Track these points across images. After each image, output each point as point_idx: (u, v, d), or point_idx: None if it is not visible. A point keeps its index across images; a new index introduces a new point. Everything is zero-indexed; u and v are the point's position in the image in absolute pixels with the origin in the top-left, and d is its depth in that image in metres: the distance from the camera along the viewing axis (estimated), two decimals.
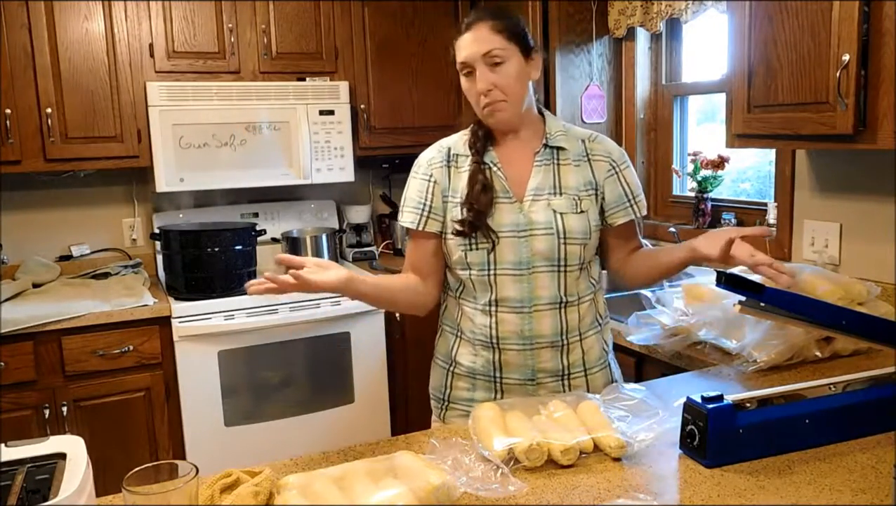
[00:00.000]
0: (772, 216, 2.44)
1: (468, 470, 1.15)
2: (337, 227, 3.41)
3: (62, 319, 2.51)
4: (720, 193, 2.79)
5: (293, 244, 3.12)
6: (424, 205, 1.58)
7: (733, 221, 2.64)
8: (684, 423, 1.26)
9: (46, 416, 2.53)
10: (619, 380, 1.67)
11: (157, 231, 2.88)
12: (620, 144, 3.10)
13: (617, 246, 1.66)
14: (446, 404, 1.65)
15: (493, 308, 1.56)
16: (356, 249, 3.39)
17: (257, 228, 2.92)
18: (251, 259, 2.86)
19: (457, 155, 1.60)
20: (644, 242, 1.72)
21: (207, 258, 2.75)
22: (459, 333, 1.62)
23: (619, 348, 2.12)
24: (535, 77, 1.57)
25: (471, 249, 1.54)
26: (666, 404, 1.39)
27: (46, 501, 0.95)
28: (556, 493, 1.15)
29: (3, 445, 1.09)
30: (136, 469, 1.01)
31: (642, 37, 3.03)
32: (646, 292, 2.14)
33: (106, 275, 2.99)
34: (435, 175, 1.59)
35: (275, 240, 3.22)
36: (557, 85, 2.98)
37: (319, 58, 3.12)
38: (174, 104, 2.82)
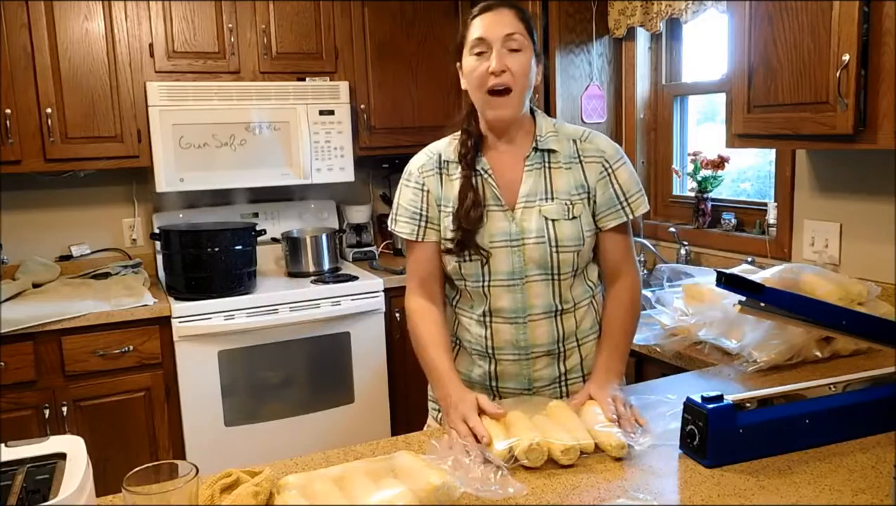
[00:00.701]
0: (772, 216, 2.44)
1: (468, 470, 1.15)
2: (337, 227, 3.41)
3: (62, 319, 2.51)
4: (720, 193, 2.79)
5: (293, 244, 3.12)
6: (420, 215, 1.55)
7: (733, 220, 2.64)
8: (684, 423, 1.26)
9: (46, 416, 2.53)
10: (621, 383, 1.66)
11: (157, 231, 2.88)
12: (620, 145, 3.12)
13: (605, 252, 1.57)
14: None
15: (488, 319, 1.54)
16: (356, 249, 3.39)
17: (257, 228, 2.92)
18: (251, 259, 2.86)
19: (448, 162, 1.56)
20: (636, 258, 1.64)
21: (207, 258, 2.74)
22: (457, 343, 1.61)
23: None
24: (537, 83, 1.55)
25: (465, 261, 1.52)
26: (666, 405, 1.39)
27: (46, 501, 0.95)
28: (556, 493, 1.15)
29: (3, 445, 1.09)
30: (136, 469, 1.01)
31: (642, 37, 3.03)
32: (646, 292, 2.14)
33: (106, 275, 2.99)
34: (427, 184, 1.56)
35: (275, 240, 3.22)
36: (557, 85, 2.98)
37: (319, 58, 3.12)
38: (174, 104, 2.82)
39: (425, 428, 1.63)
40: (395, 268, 3.10)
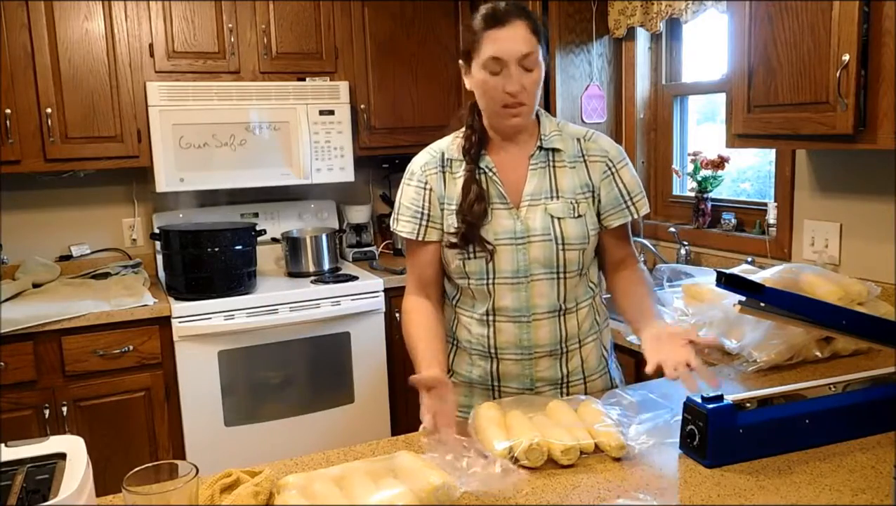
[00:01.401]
0: (772, 216, 2.44)
1: (468, 470, 1.15)
2: (337, 227, 3.41)
3: (62, 319, 2.51)
4: (720, 193, 2.79)
5: (293, 244, 3.12)
6: (422, 214, 1.54)
7: (733, 220, 2.64)
8: (684, 423, 1.26)
9: (46, 416, 2.53)
10: (620, 384, 1.66)
11: (157, 231, 2.88)
12: (621, 144, 3.12)
13: (608, 249, 1.59)
14: None
15: (491, 317, 1.53)
16: (356, 249, 3.39)
17: (257, 228, 2.92)
18: (251, 259, 2.86)
19: (451, 160, 1.55)
20: (634, 244, 1.66)
21: (207, 258, 2.74)
22: (456, 343, 1.61)
23: (619, 348, 2.12)
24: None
25: (469, 259, 1.50)
26: (666, 405, 1.39)
27: (46, 501, 0.95)
28: (556, 493, 1.15)
29: (3, 445, 1.09)
30: (136, 469, 1.01)
31: (642, 37, 3.03)
32: (651, 283, 2.14)
33: (106, 275, 2.99)
34: (430, 182, 1.54)
35: (275, 240, 3.22)
36: (557, 85, 2.98)
37: (319, 58, 3.12)
38: (174, 104, 2.82)
39: (421, 429, 1.63)
40: (395, 268, 3.10)
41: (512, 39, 1.41)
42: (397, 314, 2.98)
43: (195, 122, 2.86)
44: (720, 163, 2.68)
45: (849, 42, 1.66)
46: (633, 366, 2.12)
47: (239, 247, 2.80)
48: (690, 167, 2.78)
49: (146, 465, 1.02)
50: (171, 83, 2.84)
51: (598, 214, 1.55)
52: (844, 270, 2.17)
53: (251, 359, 2.78)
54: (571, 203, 1.51)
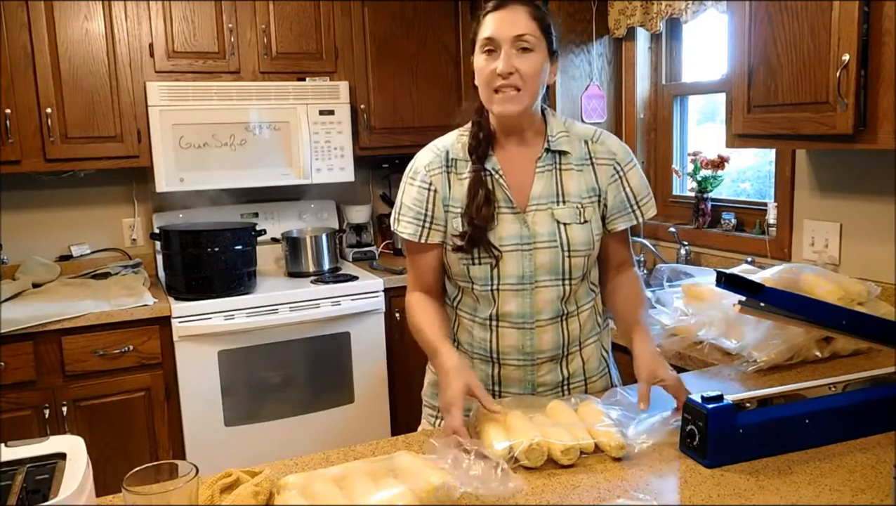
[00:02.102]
0: (772, 216, 2.44)
1: (468, 470, 1.15)
2: (337, 227, 3.41)
3: (62, 319, 2.51)
4: (720, 193, 2.79)
5: (293, 244, 3.12)
6: (425, 215, 1.50)
7: (733, 220, 2.64)
8: (684, 423, 1.26)
9: (46, 416, 2.53)
10: (619, 384, 1.66)
11: (157, 231, 2.88)
12: None
13: (609, 251, 1.57)
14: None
15: (494, 323, 1.51)
16: (356, 249, 3.39)
17: (257, 228, 2.92)
18: (251, 259, 2.86)
19: (455, 160, 1.51)
20: (634, 244, 1.67)
21: (207, 258, 2.74)
22: (456, 345, 1.57)
23: (619, 348, 2.12)
24: (552, 81, 1.50)
25: (473, 264, 1.47)
26: (666, 405, 1.39)
27: (46, 501, 0.95)
28: (556, 493, 1.15)
29: (3, 445, 1.09)
30: (136, 469, 1.01)
31: (642, 37, 3.03)
32: (646, 292, 2.14)
33: (106, 275, 2.99)
34: (434, 183, 1.50)
35: (275, 240, 3.22)
36: (557, 85, 2.99)
37: (319, 58, 3.12)
38: (174, 104, 2.82)
39: (419, 431, 1.62)
40: (395, 268, 3.10)
41: (507, 21, 1.40)
42: (397, 314, 2.98)
43: (195, 122, 2.86)
44: (720, 163, 2.68)
45: (849, 42, 1.66)
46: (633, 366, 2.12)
47: (239, 247, 2.80)
48: (690, 167, 2.78)
49: (146, 465, 1.02)
50: (171, 83, 2.83)
51: (604, 218, 1.53)
52: (844, 270, 2.17)
53: (251, 359, 2.78)
54: (577, 208, 1.49)
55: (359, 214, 3.43)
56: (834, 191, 2.23)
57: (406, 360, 3.04)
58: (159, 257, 3.03)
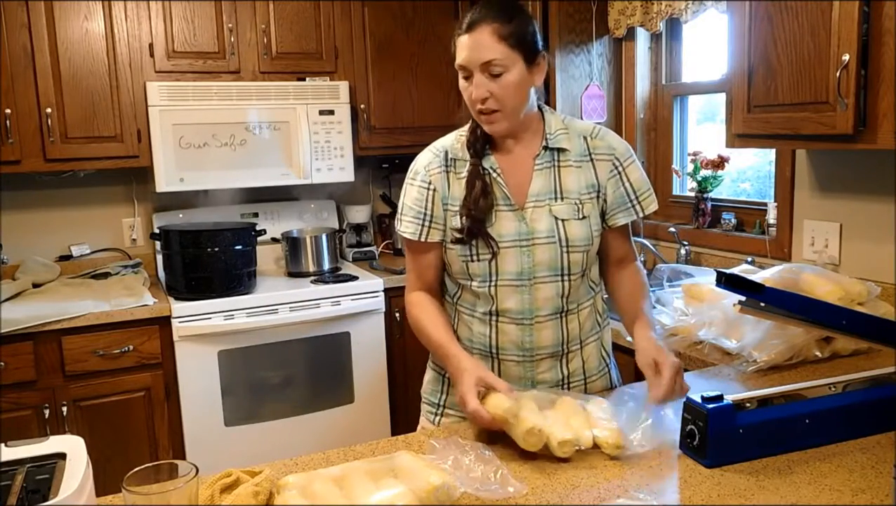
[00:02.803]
0: (772, 216, 2.44)
1: (468, 470, 1.15)
2: (337, 227, 3.41)
3: (62, 319, 2.51)
4: (720, 193, 2.79)
5: (293, 244, 3.12)
6: (425, 215, 1.52)
7: (733, 220, 2.64)
8: (684, 423, 1.26)
9: (46, 416, 2.53)
10: (618, 384, 1.66)
11: (157, 231, 2.88)
12: None
13: (610, 247, 1.58)
14: (441, 409, 1.62)
15: (493, 318, 1.52)
16: (356, 249, 3.39)
17: (257, 228, 2.92)
18: (251, 259, 2.86)
19: (455, 160, 1.53)
20: (634, 244, 1.66)
21: (207, 258, 2.74)
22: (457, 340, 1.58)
23: (619, 348, 2.12)
24: (539, 83, 1.49)
25: (472, 261, 1.49)
26: (666, 405, 1.39)
27: (46, 501, 0.95)
28: (556, 493, 1.15)
29: (3, 445, 1.09)
30: (136, 469, 1.01)
31: (642, 37, 3.03)
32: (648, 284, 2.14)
33: (106, 275, 2.99)
34: (434, 182, 1.52)
35: (275, 240, 3.22)
36: (557, 85, 2.99)
37: (319, 58, 3.12)
38: (174, 104, 2.82)
39: (419, 429, 1.63)
40: (395, 268, 3.10)
41: (475, 48, 1.40)
42: (397, 314, 2.98)
43: (195, 122, 2.86)
44: (720, 163, 2.68)
45: (849, 42, 1.66)
46: (633, 366, 2.12)
47: (239, 247, 2.80)
48: (690, 167, 2.78)
49: (146, 465, 1.02)
50: (171, 83, 2.84)
51: (604, 213, 1.54)
52: (844, 270, 2.17)
53: (251, 359, 2.78)
54: (576, 204, 1.49)
55: (359, 214, 3.43)
56: (834, 191, 2.23)
57: (406, 360, 3.04)
58: (159, 257, 3.03)
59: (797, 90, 1.82)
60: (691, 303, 2.02)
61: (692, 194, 2.81)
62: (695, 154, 2.76)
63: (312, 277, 3.02)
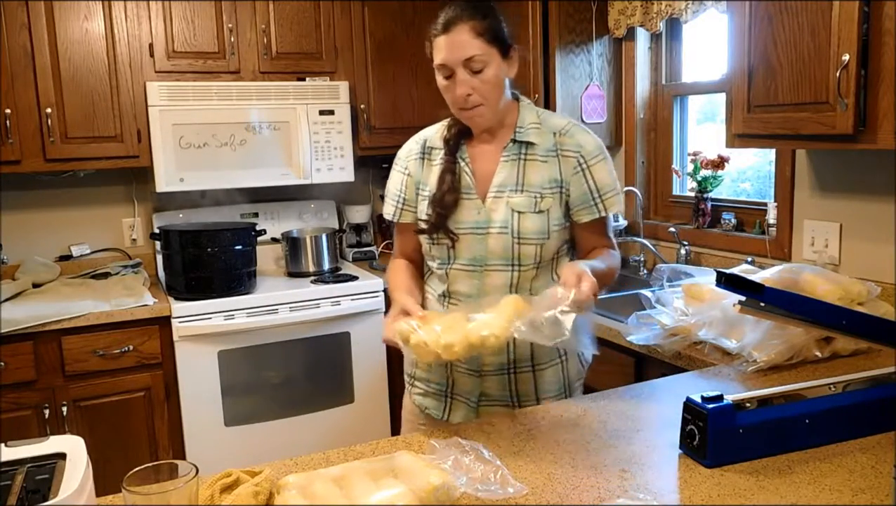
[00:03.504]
0: (772, 216, 2.44)
1: (468, 470, 1.15)
2: (337, 227, 3.41)
3: (62, 319, 2.51)
4: (720, 193, 2.79)
5: (293, 244, 3.12)
6: (400, 198, 1.65)
7: (733, 220, 2.64)
8: (684, 423, 1.26)
9: (46, 416, 2.53)
10: (573, 381, 1.67)
11: (157, 231, 2.88)
12: (620, 145, 3.13)
13: (580, 241, 1.63)
14: (413, 381, 1.72)
15: (446, 299, 1.61)
16: (356, 249, 3.39)
17: (257, 228, 2.92)
18: (251, 259, 2.86)
19: (431, 148, 1.63)
20: (614, 241, 1.67)
21: (207, 258, 2.74)
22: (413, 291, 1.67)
23: (619, 348, 2.13)
24: (512, 75, 1.56)
25: (434, 244, 1.59)
26: (666, 405, 1.39)
27: (46, 501, 0.95)
28: (555, 493, 1.15)
29: (3, 445, 1.09)
30: (136, 469, 1.01)
31: (642, 37, 3.03)
32: (646, 292, 2.14)
33: (106, 275, 2.99)
34: (410, 168, 1.64)
35: (275, 240, 3.22)
36: (557, 85, 2.98)
37: (319, 58, 3.12)
38: (174, 104, 2.83)
39: (404, 405, 1.74)
40: None
41: (453, 46, 1.48)
42: None
43: (195, 122, 2.86)
44: (720, 163, 2.67)
45: (849, 42, 1.66)
46: (633, 366, 2.12)
47: (239, 247, 2.80)
48: (690, 167, 2.78)
49: (146, 465, 1.02)
50: (171, 83, 2.84)
51: (569, 209, 1.58)
52: (844, 270, 2.17)
53: (251, 359, 2.78)
54: (535, 197, 1.54)
55: (359, 214, 3.43)
56: (834, 191, 2.23)
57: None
58: (159, 257, 3.03)
59: (797, 90, 1.82)
60: (691, 303, 2.02)
61: (692, 194, 2.81)
62: (695, 154, 2.76)
63: (312, 277, 3.02)
